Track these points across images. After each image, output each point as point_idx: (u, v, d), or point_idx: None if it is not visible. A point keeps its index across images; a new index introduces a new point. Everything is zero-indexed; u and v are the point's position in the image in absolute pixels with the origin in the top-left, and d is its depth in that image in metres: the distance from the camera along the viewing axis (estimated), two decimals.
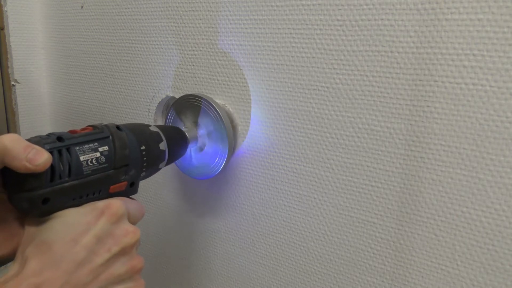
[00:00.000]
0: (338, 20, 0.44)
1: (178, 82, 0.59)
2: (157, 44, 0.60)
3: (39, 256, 0.33)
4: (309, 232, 0.51)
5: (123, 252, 0.37)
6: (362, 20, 0.43)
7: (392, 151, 0.44)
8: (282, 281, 0.55)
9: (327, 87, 0.46)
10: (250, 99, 0.52)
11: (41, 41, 0.77)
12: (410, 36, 0.41)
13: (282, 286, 0.55)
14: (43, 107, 0.80)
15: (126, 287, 0.37)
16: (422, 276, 0.44)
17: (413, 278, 0.45)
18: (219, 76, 0.54)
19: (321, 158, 0.48)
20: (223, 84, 0.54)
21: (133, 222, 0.40)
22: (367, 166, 0.45)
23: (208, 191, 0.60)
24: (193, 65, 0.57)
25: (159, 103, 0.62)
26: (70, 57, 0.73)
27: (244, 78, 0.52)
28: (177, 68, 0.58)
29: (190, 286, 0.66)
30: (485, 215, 0.40)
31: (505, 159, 0.38)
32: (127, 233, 0.37)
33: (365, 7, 0.42)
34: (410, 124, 0.42)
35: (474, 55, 0.38)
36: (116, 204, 0.37)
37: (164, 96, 0.61)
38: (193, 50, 0.56)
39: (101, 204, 0.37)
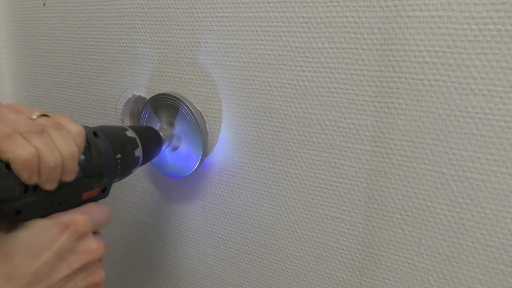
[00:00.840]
0: (303, 17, 0.44)
1: (144, 80, 0.58)
2: (122, 42, 0.59)
3: None
4: (279, 230, 0.51)
5: (84, 268, 0.37)
6: (327, 17, 0.43)
7: (359, 147, 0.44)
8: (253, 279, 0.55)
9: (294, 85, 0.46)
10: (219, 98, 0.52)
11: (2, 40, 0.74)
12: (374, 33, 0.41)
13: (253, 284, 0.55)
14: None
15: None
16: (390, 270, 0.45)
17: (381, 272, 0.45)
18: (186, 74, 0.54)
19: (289, 156, 0.48)
20: (190, 82, 0.54)
21: (99, 228, 0.40)
22: (335, 163, 0.46)
23: (177, 191, 0.59)
24: (160, 64, 0.56)
25: (126, 103, 0.60)
26: (34, 56, 0.71)
27: (212, 76, 0.52)
28: (144, 66, 0.57)
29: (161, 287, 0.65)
30: (448, 208, 0.41)
31: (467, 153, 0.39)
32: (90, 250, 0.37)
33: (329, 4, 0.42)
34: (376, 121, 0.42)
35: (435, 51, 0.38)
36: (82, 220, 0.36)
37: (130, 96, 0.60)
38: (159, 48, 0.55)
39: (67, 218, 0.36)
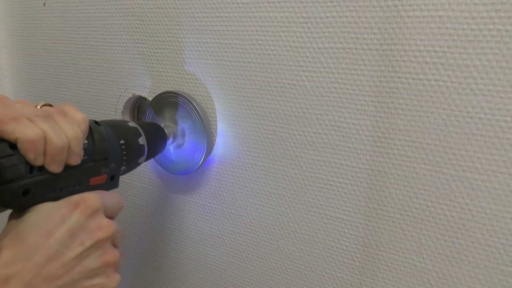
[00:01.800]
0: (303, 17, 0.44)
1: (144, 80, 0.58)
2: (122, 42, 0.59)
3: (12, 247, 0.33)
4: (279, 230, 0.51)
5: (97, 246, 0.37)
6: (327, 17, 0.43)
7: (359, 147, 0.44)
8: (253, 279, 0.55)
9: (294, 85, 0.46)
10: (219, 98, 0.52)
11: (2, 40, 0.74)
12: (374, 33, 0.41)
13: (254, 284, 0.55)
14: None
15: (98, 281, 0.37)
16: (390, 270, 0.45)
17: (381, 272, 0.45)
18: (186, 74, 0.54)
19: (290, 156, 0.48)
20: (190, 82, 0.54)
21: (111, 215, 0.40)
22: (335, 162, 0.46)
23: (177, 191, 0.59)
24: (160, 63, 0.56)
25: (126, 102, 0.60)
26: (33, 56, 0.71)
27: (212, 76, 0.52)
28: (144, 66, 0.57)
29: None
30: (448, 208, 0.41)
31: (467, 153, 0.39)
32: (101, 226, 0.37)
33: (329, 4, 0.42)
34: (376, 121, 0.42)
35: (435, 51, 0.38)
36: (91, 197, 0.37)
37: (131, 95, 0.60)
38: (159, 48, 0.55)
39: (76, 197, 0.37)
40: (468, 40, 0.37)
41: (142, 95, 0.59)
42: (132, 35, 0.57)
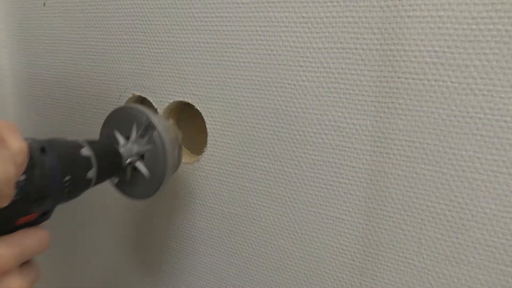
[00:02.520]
0: (303, 17, 0.44)
1: (145, 80, 0.58)
2: (122, 42, 0.59)
3: None
4: (279, 230, 0.51)
5: None
6: (327, 17, 0.43)
7: (359, 147, 0.44)
8: (253, 280, 0.55)
9: (294, 85, 0.46)
10: (219, 98, 0.52)
11: (2, 40, 0.74)
12: (374, 33, 0.41)
13: (253, 284, 0.55)
14: (7, 107, 0.77)
15: None
16: (390, 271, 0.45)
17: (381, 272, 0.45)
18: (186, 74, 0.54)
19: (289, 156, 0.48)
20: (190, 82, 0.54)
21: (31, 256, 0.35)
22: (335, 162, 0.46)
23: (177, 191, 0.59)
24: (160, 63, 0.56)
25: (126, 102, 0.60)
26: (33, 56, 0.71)
27: (212, 76, 0.52)
28: (144, 66, 0.57)
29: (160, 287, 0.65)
30: (448, 208, 0.41)
31: (467, 153, 0.39)
32: None
33: (329, 4, 0.42)
34: (376, 121, 0.42)
35: (435, 51, 0.38)
36: (2, 257, 0.31)
37: (131, 95, 0.60)
38: (159, 48, 0.55)
39: None
40: (468, 40, 0.37)
41: (142, 95, 0.59)
42: (132, 35, 0.57)
